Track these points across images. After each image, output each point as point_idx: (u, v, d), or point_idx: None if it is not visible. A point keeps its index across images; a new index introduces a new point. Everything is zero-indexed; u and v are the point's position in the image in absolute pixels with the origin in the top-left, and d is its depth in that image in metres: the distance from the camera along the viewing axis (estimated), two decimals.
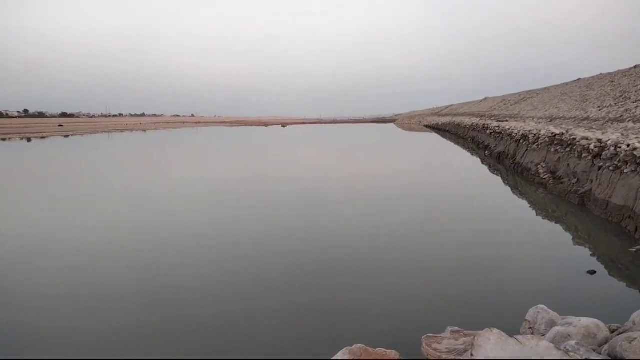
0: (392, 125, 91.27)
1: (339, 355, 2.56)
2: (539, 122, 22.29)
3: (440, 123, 61.60)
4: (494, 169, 19.38)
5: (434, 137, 47.61)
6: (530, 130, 18.41)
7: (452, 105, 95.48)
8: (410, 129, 69.08)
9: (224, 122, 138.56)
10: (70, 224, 10.20)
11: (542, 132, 16.58)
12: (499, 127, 25.74)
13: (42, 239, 9.05)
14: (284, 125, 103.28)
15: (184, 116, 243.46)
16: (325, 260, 7.44)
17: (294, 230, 9.50)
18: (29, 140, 48.61)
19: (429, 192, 14.06)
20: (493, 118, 35.58)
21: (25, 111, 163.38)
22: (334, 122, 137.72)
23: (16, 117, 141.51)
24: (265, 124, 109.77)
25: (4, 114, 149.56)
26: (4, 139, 49.45)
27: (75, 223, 10.25)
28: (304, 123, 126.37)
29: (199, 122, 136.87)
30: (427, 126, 70.54)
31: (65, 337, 4.95)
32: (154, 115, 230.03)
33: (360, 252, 7.87)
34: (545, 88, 45.09)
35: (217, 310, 5.59)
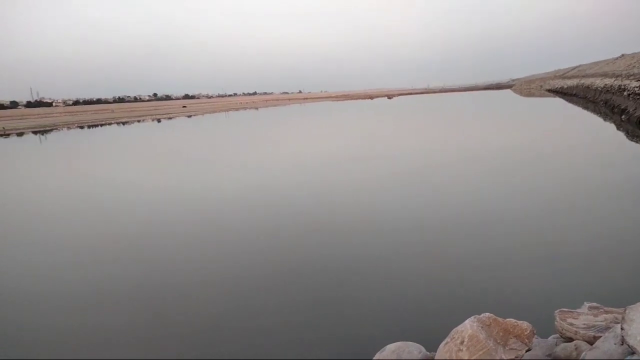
0: (508, 91, 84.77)
1: (467, 322, 2.49)
2: None
3: (565, 86, 55.65)
4: (632, 136, 17.07)
5: (557, 102, 43.21)
6: None
7: (579, 66, 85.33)
8: (530, 94, 63.53)
9: (329, 97, 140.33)
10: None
11: None
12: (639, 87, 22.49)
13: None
14: (389, 97, 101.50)
15: (292, 93, 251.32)
16: (459, 231, 7.27)
17: (419, 201, 9.38)
18: (158, 121, 54.05)
19: (558, 162, 12.87)
20: (632, 77, 31.12)
21: (155, 95, 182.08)
22: (443, 91, 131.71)
23: (147, 100, 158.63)
24: (371, 97, 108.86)
25: (138, 98, 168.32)
26: (138, 121, 55.55)
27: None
28: (410, 94, 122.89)
29: (307, 98, 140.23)
30: (549, 90, 64.24)
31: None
32: (265, 93, 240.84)
33: (492, 224, 7.54)
34: None
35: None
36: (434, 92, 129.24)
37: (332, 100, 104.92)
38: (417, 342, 3.45)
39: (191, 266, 6.52)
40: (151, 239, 8.00)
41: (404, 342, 3.40)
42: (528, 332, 2.64)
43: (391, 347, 3.20)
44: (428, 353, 3.27)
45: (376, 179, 11.69)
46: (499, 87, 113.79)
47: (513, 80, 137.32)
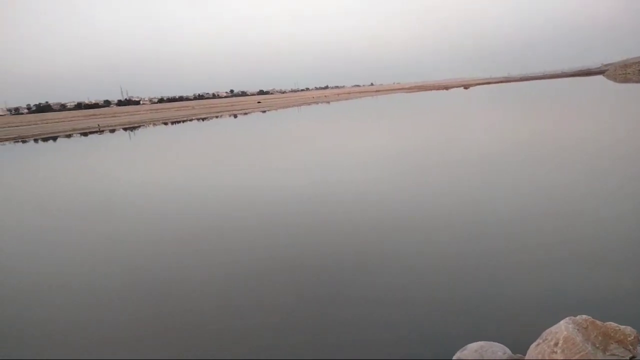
0: (599, 77, 77.89)
1: (562, 323, 2.29)
2: None
3: None
4: None
5: None
6: None
7: None
8: (626, 80, 57.97)
9: (402, 89, 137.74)
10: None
11: None
12: None
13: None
14: (466, 87, 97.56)
15: (363, 85, 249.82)
16: (542, 226, 6.85)
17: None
18: (235, 116, 56.10)
19: None
20: None
21: (231, 91, 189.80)
22: (524, 79, 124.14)
23: (224, 97, 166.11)
24: (446, 87, 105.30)
25: (216, 94, 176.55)
26: (216, 117, 58.07)
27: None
28: (488, 83, 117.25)
29: (379, 91, 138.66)
30: None
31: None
32: (336, 87, 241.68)
33: (580, 217, 7.00)
34: None
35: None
36: (514, 80, 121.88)
37: (405, 92, 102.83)
38: (499, 342, 3.27)
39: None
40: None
41: (487, 342, 3.24)
42: (632, 337, 2.38)
43: (473, 346, 3.06)
44: (513, 354, 3.08)
45: (446, 172, 11.29)
46: (588, 73, 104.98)
47: (605, 65, 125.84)
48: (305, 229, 7.79)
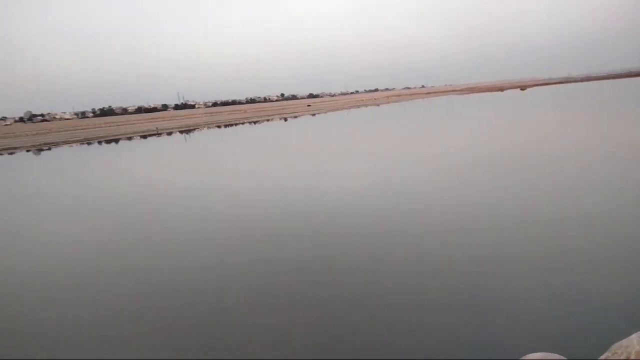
0: None
1: (634, 337, 2.14)
2: None
3: None
4: None
5: None
6: None
7: None
8: None
9: (454, 91, 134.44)
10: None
11: None
12: None
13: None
14: (522, 88, 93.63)
15: (414, 88, 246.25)
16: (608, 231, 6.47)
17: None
18: (285, 120, 56.84)
19: None
20: None
21: (282, 95, 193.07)
22: (587, 79, 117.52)
23: (275, 100, 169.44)
24: (501, 89, 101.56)
25: (267, 98, 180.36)
26: (267, 120, 59.08)
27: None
28: (547, 84, 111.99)
29: (429, 93, 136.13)
30: None
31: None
32: (386, 89, 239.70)
33: None
34: None
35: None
36: (576, 81, 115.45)
37: (457, 94, 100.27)
38: (559, 354, 3.11)
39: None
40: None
41: (547, 353, 3.10)
42: None
43: (533, 357, 2.92)
44: None
45: (494, 175, 10.88)
46: None
47: None
48: (338, 232, 7.74)
